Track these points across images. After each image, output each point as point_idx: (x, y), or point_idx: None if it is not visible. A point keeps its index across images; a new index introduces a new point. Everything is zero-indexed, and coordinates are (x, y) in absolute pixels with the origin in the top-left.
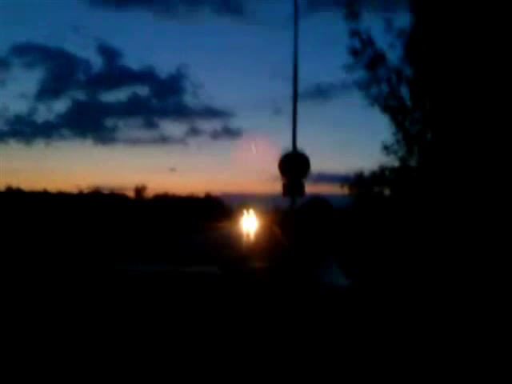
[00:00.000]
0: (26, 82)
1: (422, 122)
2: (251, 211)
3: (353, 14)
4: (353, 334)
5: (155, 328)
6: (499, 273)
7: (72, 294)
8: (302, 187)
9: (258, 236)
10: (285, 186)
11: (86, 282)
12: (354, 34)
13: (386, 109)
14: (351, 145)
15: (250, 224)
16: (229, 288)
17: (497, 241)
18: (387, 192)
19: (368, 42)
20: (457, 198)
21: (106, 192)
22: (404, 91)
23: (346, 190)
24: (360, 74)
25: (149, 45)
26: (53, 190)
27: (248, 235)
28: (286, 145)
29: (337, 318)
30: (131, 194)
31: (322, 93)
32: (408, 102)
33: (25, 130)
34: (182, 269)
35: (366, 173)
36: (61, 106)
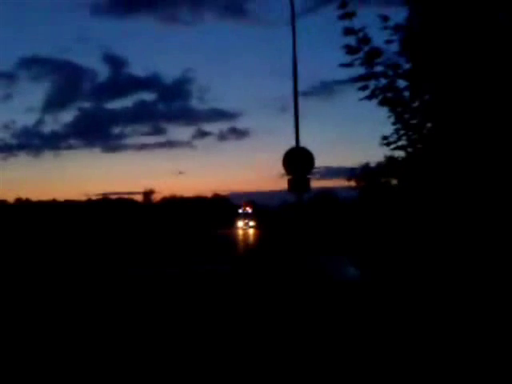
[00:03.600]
0: (32, 94)
1: (421, 112)
2: (250, 209)
3: (347, 15)
4: (364, 328)
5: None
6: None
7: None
8: (306, 182)
9: (259, 234)
10: (290, 182)
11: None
12: (349, 32)
13: (384, 101)
14: (357, 138)
15: (250, 221)
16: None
17: (500, 233)
18: (394, 182)
19: (363, 39)
20: (458, 185)
21: (114, 198)
22: (401, 84)
23: (352, 183)
24: (358, 70)
25: (153, 51)
26: (62, 200)
27: (247, 234)
28: (292, 141)
29: (347, 313)
30: (140, 198)
31: (326, 89)
32: (406, 94)
33: (33, 142)
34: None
35: (372, 165)
36: (68, 116)
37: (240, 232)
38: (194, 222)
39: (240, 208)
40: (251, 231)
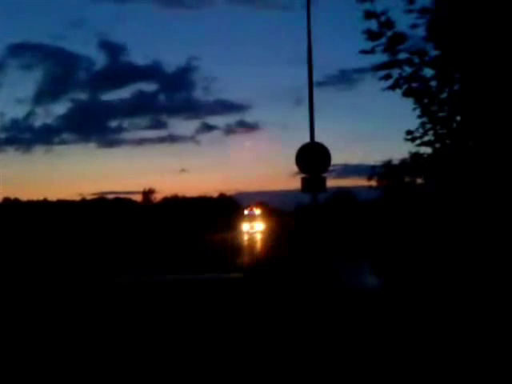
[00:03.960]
0: (22, 84)
1: (450, 104)
2: (258, 210)
3: None
4: (383, 343)
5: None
6: None
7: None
8: (322, 181)
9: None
10: (304, 181)
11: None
12: (370, 16)
13: (409, 92)
14: (379, 133)
15: (258, 224)
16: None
17: None
18: (419, 181)
19: (386, 23)
20: (492, 186)
21: (111, 198)
22: (428, 72)
23: (373, 183)
24: (380, 57)
25: (154, 38)
26: (54, 200)
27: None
28: (307, 137)
29: (363, 325)
30: (139, 198)
31: (345, 79)
32: (433, 84)
33: (22, 136)
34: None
35: (395, 162)
36: (61, 108)
37: (245, 237)
38: (190, 225)
39: (246, 209)
40: (259, 236)
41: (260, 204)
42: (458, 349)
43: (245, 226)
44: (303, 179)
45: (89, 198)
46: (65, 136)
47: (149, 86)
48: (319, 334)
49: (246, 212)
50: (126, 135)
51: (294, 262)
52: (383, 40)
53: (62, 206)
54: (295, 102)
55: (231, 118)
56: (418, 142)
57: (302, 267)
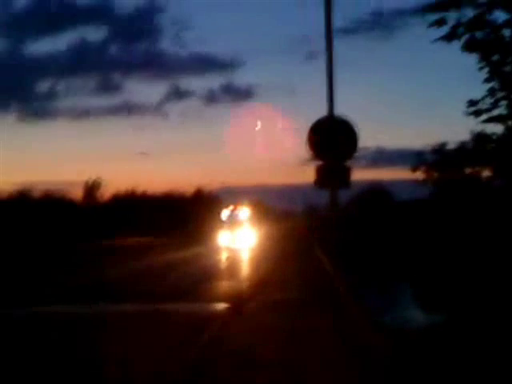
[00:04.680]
0: None
1: None
2: (245, 211)
3: None
4: None
5: None
6: None
7: None
8: (345, 172)
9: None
10: (319, 172)
11: None
12: None
13: (471, 44)
14: (427, 104)
15: (244, 234)
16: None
17: None
18: (486, 174)
19: None
20: None
21: (36, 194)
22: (500, 17)
23: (420, 175)
24: None
25: None
26: None
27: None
28: (324, 108)
29: None
30: (78, 195)
31: (380, 25)
32: (507, 33)
33: None
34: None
35: (452, 146)
36: None
37: (224, 255)
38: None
39: (225, 210)
40: (247, 254)
41: (251, 203)
42: None
43: (222, 237)
44: (318, 169)
45: (3, 193)
46: None
47: (95, 34)
48: None
49: (224, 215)
50: (62, 103)
51: (300, 287)
52: None
53: None
54: (306, 57)
55: (213, 81)
56: (484, 116)
57: (311, 295)
